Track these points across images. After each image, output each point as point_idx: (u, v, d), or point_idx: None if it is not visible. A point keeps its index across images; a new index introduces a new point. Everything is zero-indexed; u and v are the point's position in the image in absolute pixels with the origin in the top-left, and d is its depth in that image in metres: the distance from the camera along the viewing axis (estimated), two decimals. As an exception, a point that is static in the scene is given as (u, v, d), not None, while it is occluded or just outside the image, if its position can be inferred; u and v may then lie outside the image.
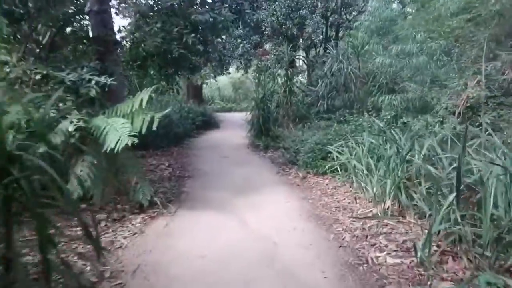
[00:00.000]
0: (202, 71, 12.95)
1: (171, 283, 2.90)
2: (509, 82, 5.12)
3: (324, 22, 12.48)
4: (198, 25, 5.90)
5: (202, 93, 18.67)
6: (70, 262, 2.93)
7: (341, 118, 7.77)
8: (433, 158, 4.19)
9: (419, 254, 2.84)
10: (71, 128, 3.93)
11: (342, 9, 12.83)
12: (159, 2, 6.07)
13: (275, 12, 11.91)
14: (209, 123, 12.82)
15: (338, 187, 5.41)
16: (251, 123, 9.90)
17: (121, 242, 3.56)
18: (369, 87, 8.21)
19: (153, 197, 4.48)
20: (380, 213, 4.03)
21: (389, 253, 3.19)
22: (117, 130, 3.98)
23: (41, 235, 2.02)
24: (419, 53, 6.72)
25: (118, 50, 6.82)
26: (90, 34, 6.55)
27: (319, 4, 12.38)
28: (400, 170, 4.16)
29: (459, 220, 2.88)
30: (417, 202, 3.85)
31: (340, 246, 3.48)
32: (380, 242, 3.43)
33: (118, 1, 7.02)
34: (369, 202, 4.57)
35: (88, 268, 3.00)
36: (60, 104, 4.31)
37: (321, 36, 13.03)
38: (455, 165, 3.94)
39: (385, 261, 3.08)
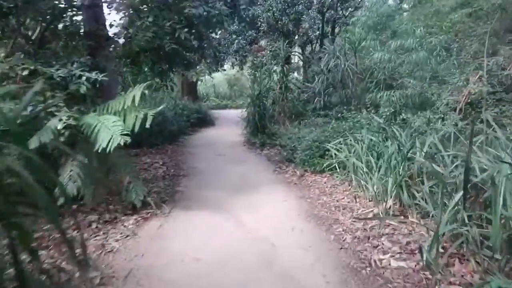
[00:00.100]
0: (197, 67, 12.77)
1: (164, 288, 2.76)
2: (511, 78, 5.01)
3: (321, 17, 12.33)
4: (191, 19, 5.71)
5: (197, 90, 18.46)
6: (58, 268, 2.79)
7: (339, 115, 7.64)
8: (435, 156, 4.07)
9: (425, 256, 2.71)
10: (60, 126, 3.79)
11: (338, 4, 12.69)
12: (151, -5, 5.89)
13: (271, 8, 11.75)
14: (204, 121, 12.64)
15: (336, 186, 5.28)
16: (246, 120, 9.76)
17: (113, 245, 3.40)
18: (367, 83, 8.08)
19: (146, 197, 4.33)
20: (381, 213, 3.90)
21: (393, 256, 3.06)
22: (109, 129, 3.84)
23: (13, 246, 1.84)
24: (419, 48, 6.60)
25: (111, 46, 6.65)
26: (82, 30, 6.40)
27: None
28: (401, 168, 4.04)
29: (466, 220, 2.75)
30: (419, 201, 3.74)
31: (341, 248, 3.34)
32: (382, 244, 3.30)
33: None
34: (369, 201, 4.44)
35: (78, 274, 2.83)
36: (49, 101, 4.13)
37: (318, 32, 12.87)
38: (457, 162, 3.86)
39: (389, 264, 2.95)
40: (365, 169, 4.57)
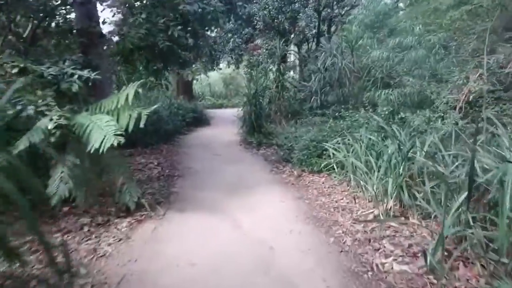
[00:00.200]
0: (193, 66, 12.65)
1: (159, 295, 2.65)
2: (511, 76, 4.93)
3: (317, 16, 12.23)
4: (186, 16, 5.59)
5: (193, 89, 18.32)
6: (46, 274, 2.67)
7: (336, 113, 7.55)
8: (436, 156, 3.99)
9: (429, 260, 2.62)
10: (50, 126, 3.66)
11: (334, 3, 12.59)
12: (145, -9, 5.77)
13: (267, 6, 11.63)
14: (200, 120, 12.51)
15: (335, 186, 5.19)
16: (243, 119, 9.65)
17: (105, 249, 3.28)
18: (364, 82, 8.00)
19: (140, 199, 4.21)
20: (381, 214, 3.81)
21: (395, 259, 2.97)
22: (102, 129, 3.72)
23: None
24: (417, 46, 6.52)
25: (104, 44, 6.51)
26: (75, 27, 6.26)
27: (311, -3, 12.14)
28: (401, 168, 3.95)
29: (471, 222, 2.67)
30: (420, 202, 3.66)
31: (341, 251, 3.25)
32: (384, 247, 3.20)
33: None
34: (369, 201, 4.35)
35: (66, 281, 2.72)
36: (40, 100, 4.01)
37: (314, 31, 12.78)
38: (458, 162, 3.78)
39: (392, 268, 2.86)
40: (364, 169, 4.48)
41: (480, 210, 2.88)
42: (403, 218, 3.74)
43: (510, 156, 3.14)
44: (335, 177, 5.40)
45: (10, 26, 5.73)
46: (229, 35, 13.62)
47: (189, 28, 6.35)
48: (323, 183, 5.40)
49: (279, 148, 7.56)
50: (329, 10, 12.70)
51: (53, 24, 6.43)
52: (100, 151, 3.49)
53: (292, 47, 14.61)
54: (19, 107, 3.77)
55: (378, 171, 4.24)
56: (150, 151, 7.78)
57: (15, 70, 4.10)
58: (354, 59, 8.51)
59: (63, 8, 6.49)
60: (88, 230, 3.68)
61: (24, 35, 6.12)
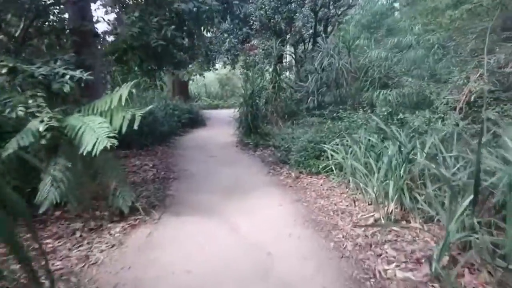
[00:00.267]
0: (189, 66, 12.53)
1: (153, 305, 2.54)
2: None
3: (313, 16, 12.15)
4: (182, 16, 5.48)
5: (188, 90, 18.19)
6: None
7: (334, 114, 7.46)
8: (437, 157, 3.90)
9: (433, 267, 2.52)
10: (41, 128, 3.54)
11: (331, 3, 12.52)
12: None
13: (263, 6, 11.53)
14: (196, 121, 12.38)
15: (333, 188, 5.09)
16: (239, 120, 9.55)
17: (97, 256, 3.15)
18: (361, 82, 7.91)
19: (134, 203, 4.09)
20: (382, 217, 3.72)
21: (398, 265, 2.87)
22: (94, 131, 3.62)
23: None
24: (416, 46, 6.45)
25: (98, 43, 6.39)
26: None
27: (308, -3, 12.05)
28: (402, 170, 3.86)
29: (477, 227, 2.58)
30: (422, 205, 3.57)
31: (342, 257, 3.14)
32: (386, 252, 3.10)
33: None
34: (369, 204, 4.26)
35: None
36: (30, 101, 3.88)
37: (311, 31, 12.70)
38: (459, 164, 3.70)
39: (395, 275, 2.76)
40: (364, 171, 4.39)
41: (484, 214, 2.79)
42: (404, 222, 3.65)
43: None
44: (333, 179, 5.31)
45: (1, 25, 5.59)
46: (225, 35, 13.52)
47: (185, 28, 6.25)
48: (321, 185, 5.30)
49: (276, 149, 7.46)
50: (325, 10, 12.62)
51: (46, 23, 6.31)
52: (93, 153, 3.38)
53: (288, 48, 14.53)
54: (8, 109, 3.65)
55: (378, 173, 4.15)
56: (145, 152, 7.66)
57: (4, 70, 3.96)
58: (351, 59, 8.44)
59: (57, 7, 6.37)
60: (80, 236, 3.56)
61: (16, 35, 5.98)
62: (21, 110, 3.68)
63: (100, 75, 6.13)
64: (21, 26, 6.01)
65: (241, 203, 4.65)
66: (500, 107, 4.58)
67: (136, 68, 7.16)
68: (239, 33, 13.40)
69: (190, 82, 17.91)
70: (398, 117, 5.59)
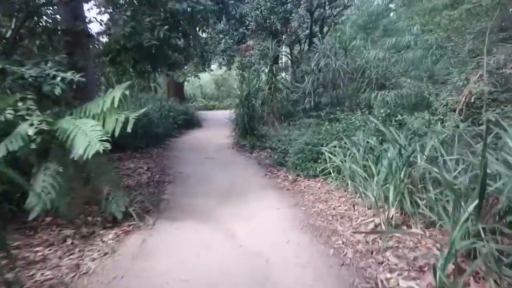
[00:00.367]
0: (184, 67, 12.41)
1: (146, 318, 2.43)
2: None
3: (309, 16, 12.08)
4: (176, 16, 5.36)
5: (184, 91, 18.08)
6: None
7: (331, 115, 7.38)
8: (438, 160, 3.83)
9: (438, 276, 2.43)
10: (31, 132, 3.42)
11: (327, 3, 12.45)
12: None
13: (259, 6, 11.43)
14: (191, 122, 12.30)
15: (331, 191, 5.00)
16: (235, 121, 9.46)
17: (88, 266, 3.02)
18: (358, 83, 7.84)
19: (128, 208, 3.97)
20: (383, 222, 3.62)
21: (401, 274, 2.77)
22: (86, 134, 3.51)
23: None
24: (414, 47, 6.38)
25: (91, 44, 6.26)
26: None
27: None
28: (402, 174, 3.77)
29: (483, 234, 2.49)
30: (423, 209, 3.49)
31: (342, 264, 3.04)
32: (388, 260, 3.00)
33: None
34: (368, 209, 4.17)
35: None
36: (20, 104, 3.76)
37: (306, 31, 12.62)
38: (460, 167, 3.63)
39: (398, 284, 2.65)
40: (363, 175, 4.30)
41: (489, 220, 2.71)
42: (405, 227, 3.56)
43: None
44: (331, 182, 5.22)
45: (-10, 26, 5.46)
46: (221, 35, 13.42)
47: (180, 28, 6.14)
48: (319, 188, 5.21)
49: (272, 151, 7.37)
50: (321, 11, 12.55)
51: (38, 24, 6.17)
52: (85, 157, 3.28)
53: (284, 48, 14.45)
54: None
55: (378, 177, 4.06)
56: (140, 155, 7.54)
57: (-8, 72, 3.84)
58: (348, 60, 8.37)
59: (49, 7, 6.23)
60: (72, 243, 3.43)
61: (7, 35, 5.84)
62: (10, 113, 3.56)
63: (94, 76, 6.01)
64: (12, 27, 5.88)
65: (238, 207, 4.55)
66: (500, 109, 4.52)
67: (131, 69, 7.05)
68: (234, 33, 13.30)
69: (186, 83, 17.84)
70: (397, 118, 5.53)
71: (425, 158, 3.91)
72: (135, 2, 5.12)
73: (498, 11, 4.70)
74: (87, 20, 6.12)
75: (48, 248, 3.31)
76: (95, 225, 3.80)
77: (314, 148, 5.84)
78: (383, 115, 5.71)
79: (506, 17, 5.35)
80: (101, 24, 5.72)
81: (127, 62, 5.96)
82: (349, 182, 4.73)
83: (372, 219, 3.81)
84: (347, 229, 3.73)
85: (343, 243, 3.42)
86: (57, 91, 3.96)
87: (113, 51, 5.52)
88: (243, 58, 12.57)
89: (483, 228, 2.61)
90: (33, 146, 3.42)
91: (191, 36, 7.08)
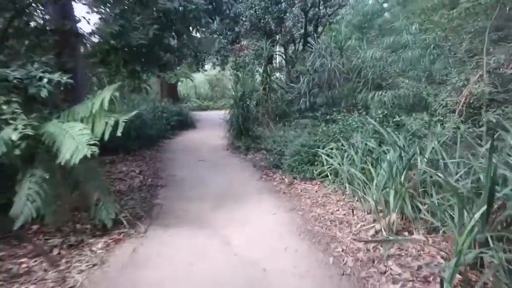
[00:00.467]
0: (177, 68, 12.23)
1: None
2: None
3: (304, 16, 11.97)
4: (168, 15, 5.20)
5: (177, 91, 17.89)
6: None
7: (327, 116, 7.26)
8: (439, 163, 3.72)
9: (445, 287, 2.30)
10: (15, 137, 3.24)
11: (321, 2, 12.34)
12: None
13: (253, 6, 11.29)
14: (185, 123, 12.14)
15: (329, 195, 4.87)
16: (229, 122, 9.32)
17: (75, 278, 2.85)
18: (354, 83, 7.73)
19: (118, 215, 3.82)
20: (384, 229, 3.49)
21: (405, 285, 2.63)
22: (74, 138, 3.36)
23: None
24: (413, 46, 6.27)
25: (81, 44, 6.07)
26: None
27: (298, -3, 11.85)
28: (403, 177, 3.65)
29: (491, 243, 2.37)
30: (425, 215, 3.37)
31: (343, 274, 2.90)
32: (391, 269, 2.87)
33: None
34: (368, 213, 4.04)
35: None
36: (4, 107, 3.58)
37: (301, 31, 12.51)
38: (462, 170, 3.52)
39: (402, 297, 2.54)
40: (362, 178, 4.18)
41: (496, 228, 2.59)
42: (407, 233, 3.44)
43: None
44: (328, 185, 5.10)
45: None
46: (214, 36, 13.26)
47: (174, 28, 5.98)
48: (316, 191, 5.08)
49: (268, 153, 7.24)
50: (316, 10, 12.44)
51: (26, 24, 5.98)
52: (72, 162, 3.12)
53: (279, 48, 14.33)
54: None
55: (377, 180, 3.94)
56: (132, 157, 7.37)
57: (-26, 73, 3.66)
58: (344, 59, 8.25)
59: (39, 6, 6.04)
60: (59, 253, 3.27)
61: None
62: (-8, 117, 3.39)
63: (84, 77, 5.82)
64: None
65: (233, 212, 4.41)
66: (501, 109, 4.41)
67: (124, 70, 6.88)
68: (228, 33, 13.15)
69: (179, 83, 17.65)
70: (394, 119, 5.42)
71: (425, 161, 3.80)
72: (125, 0, 4.94)
73: (498, 10, 4.60)
74: (76, 19, 5.94)
75: (34, 259, 3.14)
76: (84, 233, 3.64)
77: (310, 150, 5.72)
78: (381, 116, 5.59)
79: (505, 16, 5.27)
80: (88, 23, 5.53)
81: (116, 62, 5.77)
82: (347, 185, 4.61)
83: (372, 225, 3.67)
84: (346, 235, 3.60)
85: (342, 250, 3.29)
86: (44, 93, 3.79)
87: (102, 51, 5.33)
88: (237, 58, 12.44)
89: (491, 236, 2.50)
90: (17, 152, 3.25)
91: (185, 36, 6.92)
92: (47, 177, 3.40)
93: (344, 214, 4.16)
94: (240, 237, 3.70)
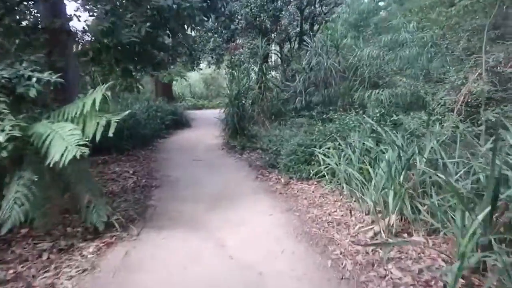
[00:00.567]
0: (172, 67, 12.11)
1: None
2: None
3: (299, 14, 11.89)
4: (162, 13, 5.09)
5: (172, 90, 17.77)
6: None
7: (323, 115, 7.18)
8: (438, 163, 3.65)
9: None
10: (2, 139, 3.13)
11: (317, 0, 12.27)
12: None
13: (249, 4, 11.20)
14: (180, 122, 12.04)
15: (326, 195, 4.79)
16: (225, 121, 9.24)
17: (64, 285, 2.75)
18: (350, 82, 7.66)
19: (110, 218, 3.71)
20: (383, 230, 3.41)
21: (406, 290, 2.57)
22: (64, 139, 3.24)
23: None
24: (410, 44, 6.20)
25: (72, 43, 5.94)
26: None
27: (294, -5, 11.77)
28: (402, 178, 3.57)
29: (495, 246, 2.30)
30: (424, 216, 3.30)
31: (342, 278, 2.82)
32: (391, 273, 2.78)
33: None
34: (366, 214, 3.96)
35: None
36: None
37: (297, 29, 12.43)
38: (462, 170, 3.46)
39: (404, 303, 2.46)
40: (360, 178, 4.10)
41: (499, 230, 2.52)
42: (406, 235, 3.37)
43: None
44: (325, 185, 5.02)
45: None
46: (209, 34, 13.14)
47: (168, 26, 5.86)
48: (313, 192, 5.00)
49: (263, 152, 7.15)
50: (311, 8, 12.37)
51: (16, 22, 5.84)
52: (62, 164, 3.02)
53: (274, 47, 14.24)
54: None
55: (375, 180, 3.86)
56: (126, 157, 7.25)
57: (-40, 74, 3.54)
58: (340, 58, 8.18)
59: (30, 4, 5.90)
60: (48, 258, 3.15)
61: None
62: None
63: (75, 76, 5.69)
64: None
65: (228, 213, 4.32)
66: (500, 108, 4.35)
67: (117, 69, 6.75)
68: (223, 32, 13.04)
69: (174, 82, 17.52)
70: (392, 118, 5.35)
71: (424, 160, 3.73)
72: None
73: (497, 8, 4.54)
74: (68, 17, 5.81)
75: (22, 265, 3.03)
76: (75, 236, 3.53)
77: (307, 150, 5.63)
78: (378, 115, 5.53)
79: (503, 14, 5.21)
80: (79, 20, 5.40)
81: (108, 61, 5.63)
82: (345, 185, 4.53)
83: (371, 226, 3.59)
84: (344, 237, 3.52)
85: (341, 253, 3.21)
86: (32, 93, 3.66)
87: (93, 50, 5.20)
88: (233, 57, 12.34)
89: (494, 239, 2.43)
90: (4, 154, 3.13)
91: (179, 34, 6.80)
92: (36, 179, 3.28)
93: (342, 215, 4.08)
94: (235, 239, 3.62)
